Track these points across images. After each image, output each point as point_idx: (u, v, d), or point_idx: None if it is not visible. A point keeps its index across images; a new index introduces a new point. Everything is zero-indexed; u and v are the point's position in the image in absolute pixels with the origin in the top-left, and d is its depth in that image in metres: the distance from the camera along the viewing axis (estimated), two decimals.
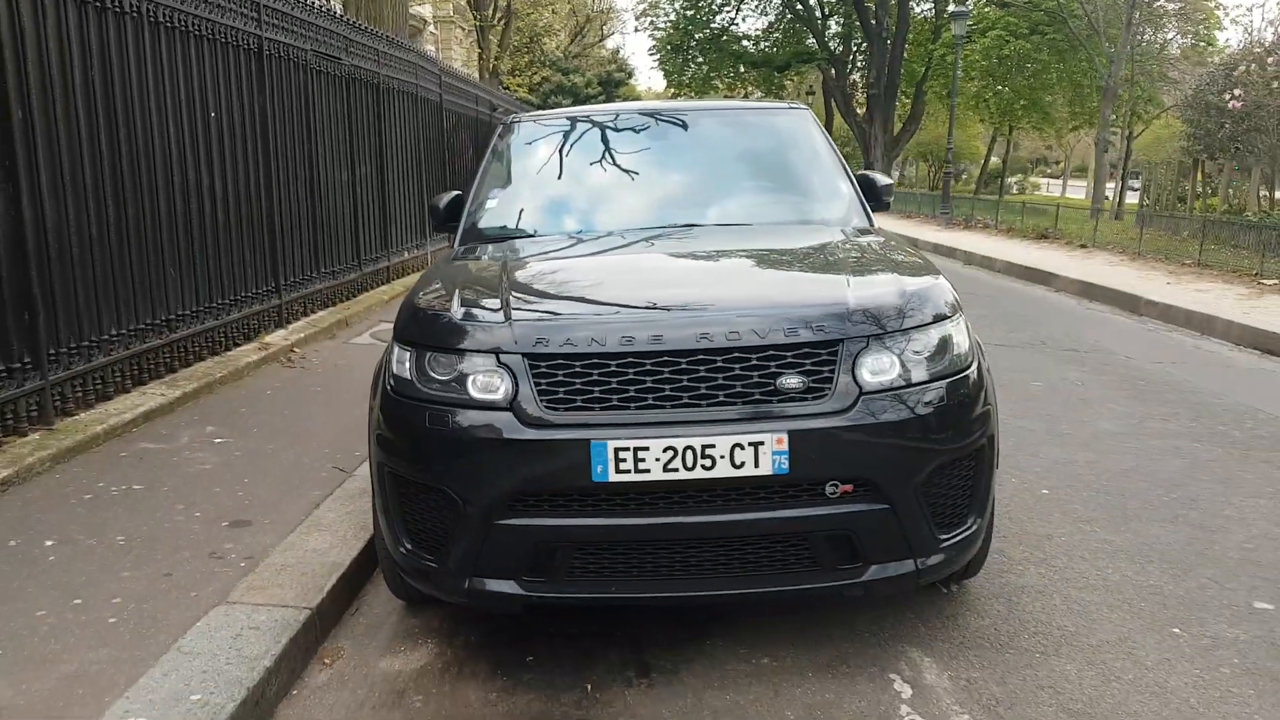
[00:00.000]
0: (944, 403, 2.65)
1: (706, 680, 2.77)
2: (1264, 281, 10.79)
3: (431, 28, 28.45)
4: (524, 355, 2.62)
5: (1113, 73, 23.11)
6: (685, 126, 4.44)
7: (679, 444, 2.49)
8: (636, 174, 4.19)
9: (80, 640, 2.80)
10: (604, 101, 43.92)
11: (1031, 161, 74.76)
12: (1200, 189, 18.29)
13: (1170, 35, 28.49)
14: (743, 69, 43.59)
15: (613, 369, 2.57)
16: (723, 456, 2.49)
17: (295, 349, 6.83)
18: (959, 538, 2.74)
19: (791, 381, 2.56)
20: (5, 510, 3.78)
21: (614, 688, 2.75)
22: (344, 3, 11.04)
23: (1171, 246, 13.89)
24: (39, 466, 4.19)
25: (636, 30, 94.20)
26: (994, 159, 50.93)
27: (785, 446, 2.49)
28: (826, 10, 41.48)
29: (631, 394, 2.56)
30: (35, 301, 4.49)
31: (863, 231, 3.73)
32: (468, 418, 2.62)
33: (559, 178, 4.23)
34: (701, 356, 2.57)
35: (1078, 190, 54.48)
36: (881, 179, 4.18)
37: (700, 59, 43.31)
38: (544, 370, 2.60)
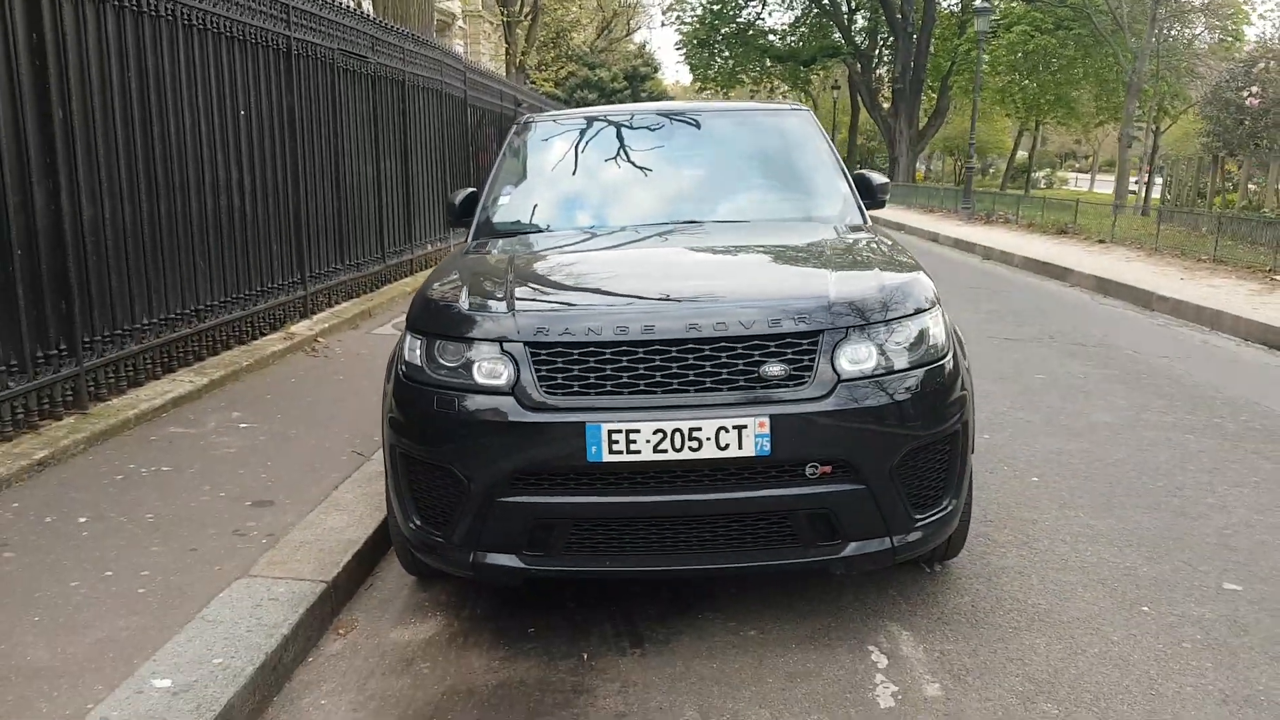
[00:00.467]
0: (919, 390, 2.80)
1: (695, 650, 2.94)
2: (1276, 277, 10.79)
3: (460, 22, 28.71)
4: (526, 344, 2.80)
5: (1137, 68, 22.95)
6: (688, 127, 4.61)
7: (668, 427, 2.66)
8: (645, 171, 4.36)
9: (111, 609, 3.01)
10: (630, 96, 44.08)
11: (1060, 156, 74.07)
12: (1220, 185, 18.18)
13: (1198, 30, 28.20)
14: (769, 63, 43.58)
15: (608, 356, 2.75)
16: (709, 439, 2.66)
17: (319, 338, 7.06)
18: (935, 517, 2.90)
19: (774, 369, 2.72)
20: (42, 489, 4.02)
21: (608, 656, 2.93)
22: (374, 1, 11.28)
23: (1189, 242, 13.87)
24: (73, 448, 4.43)
25: (663, 25, 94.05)
26: (1021, 153, 50.54)
27: (767, 430, 2.66)
28: (853, 4, 41.38)
29: (625, 380, 2.74)
30: (71, 291, 4.73)
31: (855, 228, 3.88)
32: (473, 402, 2.81)
33: (569, 175, 4.41)
34: (691, 345, 2.74)
35: (1106, 185, 53.97)
36: (877, 178, 4.32)
37: (726, 53, 43.34)
38: (544, 358, 2.78)
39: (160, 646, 2.77)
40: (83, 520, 3.70)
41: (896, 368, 2.81)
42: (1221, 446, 4.86)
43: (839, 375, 2.74)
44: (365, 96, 8.76)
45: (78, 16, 4.77)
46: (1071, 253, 14.18)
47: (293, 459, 4.44)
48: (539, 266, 3.53)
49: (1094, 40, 28.07)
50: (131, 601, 3.05)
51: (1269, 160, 15.92)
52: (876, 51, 42.03)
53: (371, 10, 10.38)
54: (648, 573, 2.91)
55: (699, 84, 44.80)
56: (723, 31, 42.54)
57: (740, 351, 2.73)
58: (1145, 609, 3.14)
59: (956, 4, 37.88)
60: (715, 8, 42.25)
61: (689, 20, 43.33)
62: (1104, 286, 11.03)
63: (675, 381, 2.73)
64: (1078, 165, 75.19)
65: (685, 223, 3.95)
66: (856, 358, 2.78)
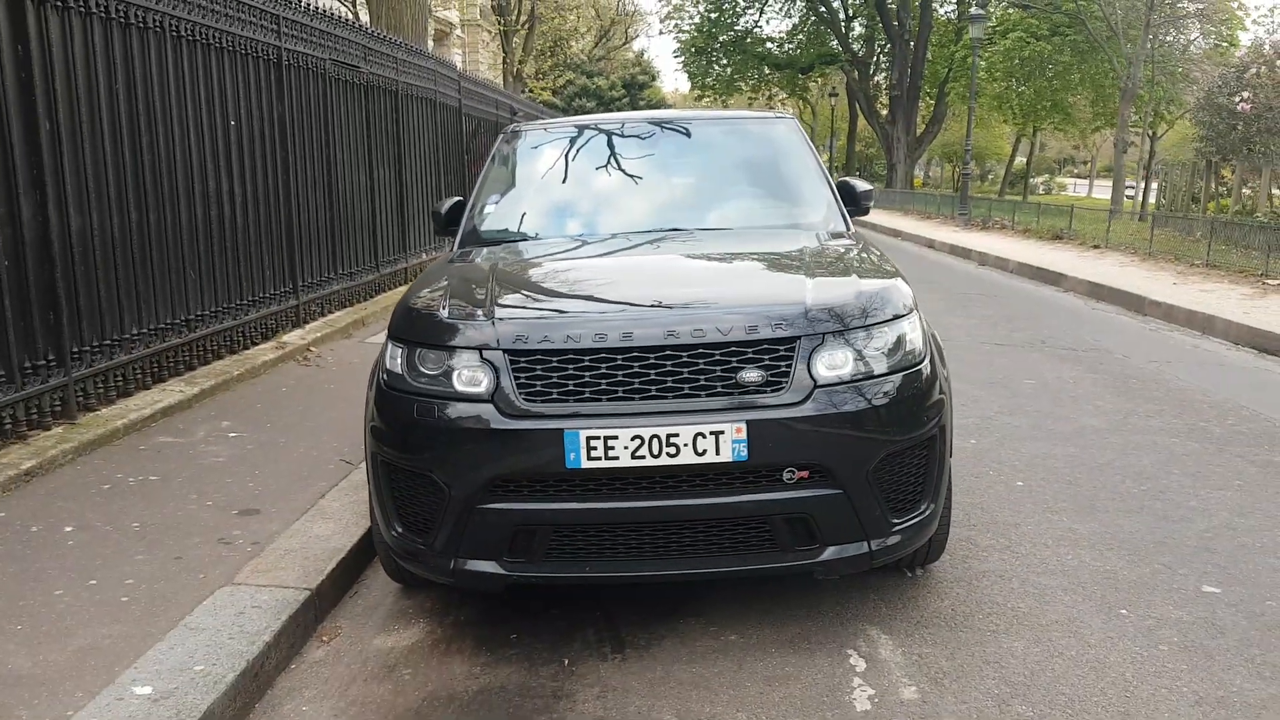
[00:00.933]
0: (895, 395, 2.82)
1: (676, 655, 2.96)
2: (1268, 281, 10.82)
3: (458, 31, 28.83)
4: (505, 351, 2.82)
5: (1131, 74, 23.03)
6: (675, 135, 4.63)
7: (645, 433, 2.67)
8: (630, 180, 4.39)
9: (94, 617, 3.02)
10: (628, 104, 44.18)
11: (1058, 162, 74.19)
12: (1214, 190, 18.23)
13: (1193, 36, 28.28)
14: (766, 71, 43.72)
15: (586, 364, 2.77)
16: (686, 445, 2.68)
17: (311, 348, 7.08)
18: (912, 521, 2.92)
19: (751, 375, 2.74)
20: (28, 498, 4.03)
21: (590, 661, 2.94)
22: (370, 12, 11.31)
23: (1182, 247, 13.91)
24: (61, 458, 4.44)
25: (661, 33, 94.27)
26: (1020, 159, 50.63)
27: (744, 435, 2.68)
28: (850, 12, 41.52)
29: (603, 387, 2.75)
30: (59, 302, 4.76)
31: (837, 235, 3.90)
32: (453, 409, 2.82)
33: (553, 184, 4.43)
34: (669, 352, 2.76)
35: (1104, 191, 54.05)
36: (861, 185, 4.35)
37: (724, 61, 43.48)
38: (523, 365, 2.80)
39: (142, 654, 2.78)
40: (69, 530, 3.72)
41: (874, 373, 2.83)
42: (1206, 450, 4.88)
43: (816, 381, 2.76)
44: (358, 106, 8.80)
45: (64, 29, 4.80)
46: (1066, 258, 14.22)
47: (281, 468, 4.46)
48: (521, 274, 3.56)
49: (1089, 46, 28.15)
50: (115, 610, 3.07)
51: (1262, 165, 15.96)
52: (874, 59, 42.16)
53: (366, 21, 10.43)
54: (627, 578, 2.92)
55: (697, 92, 44.93)
56: (720, 39, 42.68)
57: (718, 358, 2.75)
58: (1124, 612, 3.15)
59: (953, 11, 38.03)
60: (713, 16, 42.40)
61: (687, 28, 43.49)
62: (1097, 291, 11.06)
63: (654, 388, 2.75)
64: (1076, 171, 75.35)
65: (669, 230, 3.97)
66: (834, 363, 2.80)
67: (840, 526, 2.80)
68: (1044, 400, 5.94)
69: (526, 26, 28.17)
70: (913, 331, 2.98)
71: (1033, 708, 2.61)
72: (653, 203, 4.22)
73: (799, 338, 2.79)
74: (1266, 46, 16.53)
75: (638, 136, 4.59)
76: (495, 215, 4.31)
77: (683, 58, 43.99)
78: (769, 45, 43.32)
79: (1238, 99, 15.52)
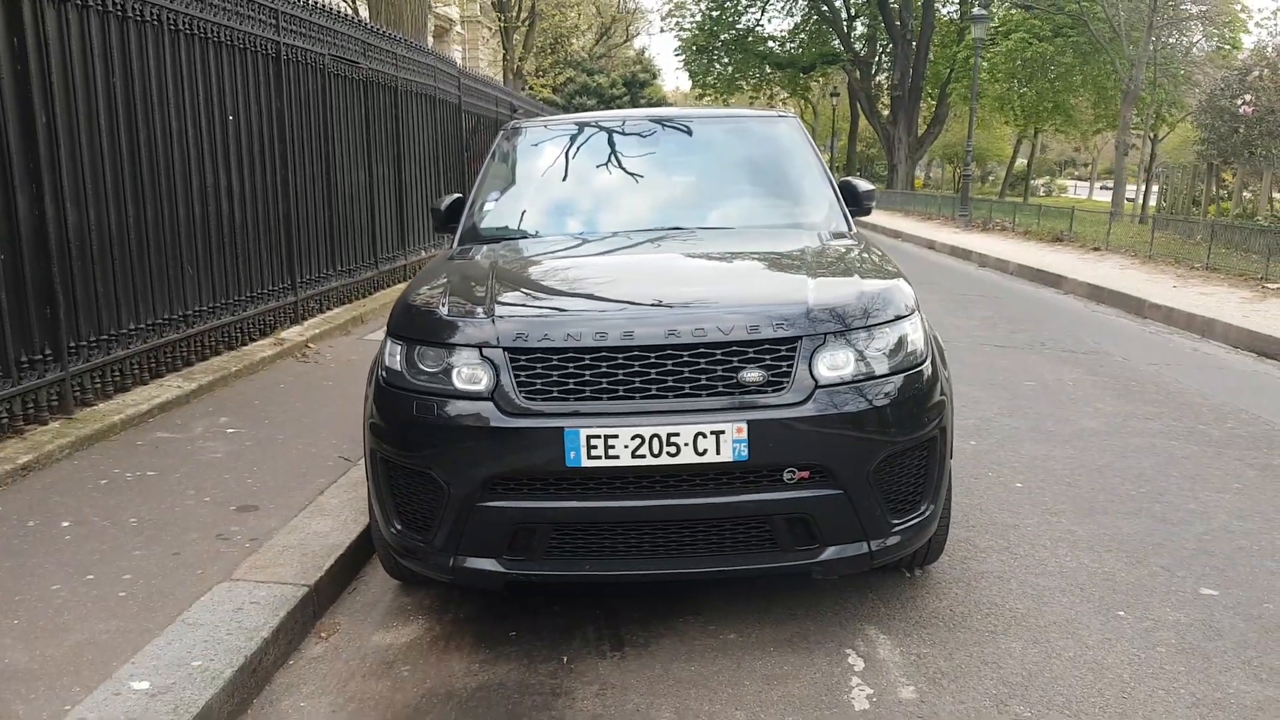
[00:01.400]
0: (896, 396, 2.82)
1: (675, 653, 2.96)
2: (1268, 285, 10.82)
3: (458, 28, 28.80)
4: (505, 349, 2.82)
5: (1133, 76, 23.02)
6: (676, 133, 4.62)
7: (646, 432, 2.67)
8: (631, 178, 4.38)
9: (91, 612, 3.01)
10: (629, 102, 44.16)
11: (1059, 164, 74.18)
12: (1215, 193, 18.24)
13: (1196, 39, 28.28)
14: (768, 70, 43.69)
15: (587, 362, 2.76)
16: (687, 444, 2.67)
17: (310, 344, 7.07)
18: (912, 522, 2.91)
19: (752, 375, 2.74)
20: (25, 493, 4.03)
21: (588, 659, 2.94)
22: (369, 7, 11.29)
23: (1182, 250, 13.91)
24: (58, 453, 4.44)
25: (662, 31, 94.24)
26: (1020, 161, 50.64)
27: (745, 435, 2.68)
28: (852, 11, 41.49)
29: (604, 385, 2.75)
30: (56, 296, 4.75)
31: (839, 235, 3.90)
32: (453, 407, 2.82)
33: (554, 181, 4.42)
34: (670, 351, 2.75)
35: (1106, 193, 54.06)
36: (863, 185, 4.34)
37: (725, 60, 43.43)
38: (523, 364, 2.79)
39: (140, 649, 2.78)
40: (65, 524, 3.71)
41: (875, 374, 2.82)
42: (1205, 453, 4.88)
43: (817, 381, 2.75)
44: (358, 102, 8.78)
45: (61, 22, 4.78)
46: (1066, 260, 14.22)
47: (279, 464, 4.45)
48: (521, 272, 3.55)
49: (1092, 48, 28.11)
50: (112, 605, 3.06)
51: (1263, 168, 15.97)
52: (875, 59, 42.14)
53: (366, 15, 10.41)
54: (627, 577, 2.92)
55: (699, 90, 44.88)
56: (722, 38, 42.62)
57: (719, 357, 2.75)
58: (1121, 613, 3.15)
59: (955, 11, 38.00)
60: (714, 14, 42.34)
61: (688, 26, 43.44)
62: (1097, 294, 11.06)
63: (654, 387, 2.74)
64: (1077, 173, 75.34)
65: (671, 229, 3.96)
66: (835, 364, 2.79)
67: (840, 527, 2.79)
68: (1044, 402, 5.94)
69: (527, 23, 28.14)
70: (914, 332, 2.98)
71: (1030, 708, 2.61)
72: (654, 201, 4.21)
73: (800, 338, 2.78)
74: (1270, 49, 16.52)
75: (639, 134, 4.58)
76: (495, 212, 4.30)
77: (684, 56, 43.94)
78: (771, 44, 43.28)
79: (1240, 102, 15.53)
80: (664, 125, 4.67)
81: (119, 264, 5.26)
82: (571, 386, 2.76)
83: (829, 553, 2.81)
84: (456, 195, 4.43)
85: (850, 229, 4.09)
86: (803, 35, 42.70)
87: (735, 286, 3.27)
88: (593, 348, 2.76)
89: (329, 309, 8.11)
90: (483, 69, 25.72)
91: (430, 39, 11.88)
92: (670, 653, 2.96)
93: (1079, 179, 71.94)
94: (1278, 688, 2.70)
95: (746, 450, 2.68)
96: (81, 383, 4.96)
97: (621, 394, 2.74)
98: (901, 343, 2.92)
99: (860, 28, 42.11)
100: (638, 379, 2.75)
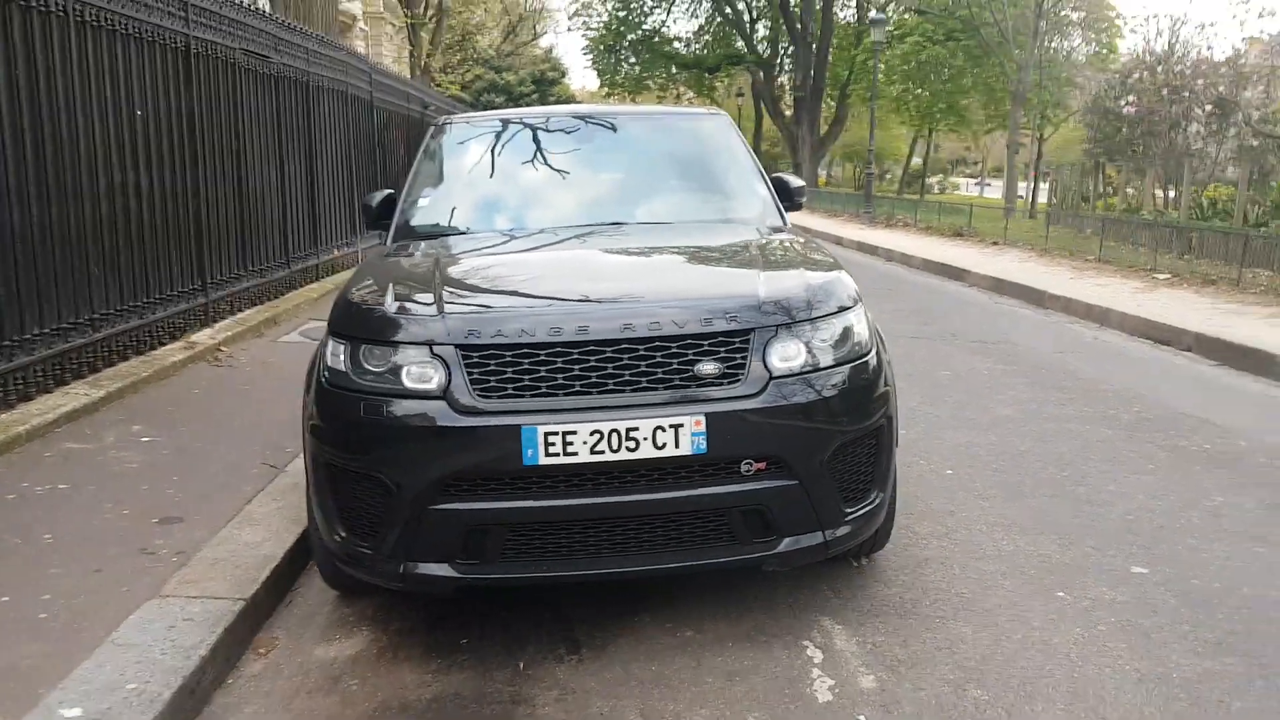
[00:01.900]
0: (846, 386, 2.86)
1: (634, 653, 2.93)
2: (1156, 276, 11.43)
3: (362, 24, 28.05)
4: (456, 346, 2.74)
5: (1021, 78, 24.01)
6: (612, 129, 4.61)
7: (604, 427, 2.64)
8: (565, 174, 4.34)
9: (10, 635, 2.82)
10: (538, 100, 43.87)
11: (951, 162, 76.68)
12: (1102, 190, 19.16)
13: (1076, 43, 29.67)
14: (674, 70, 44.00)
15: (542, 358, 2.71)
16: (645, 438, 2.65)
17: (222, 347, 6.79)
18: (863, 510, 2.96)
19: (708, 368, 2.74)
20: None
21: (545, 664, 2.88)
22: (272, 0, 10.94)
23: (1076, 244, 14.56)
24: None
25: (570, 30, 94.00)
26: (916, 160, 52.20)
27: (703, 428, 2.67)
28: (755, 14, 42.12)
29: (560, 381, 2.70)
30: None
31: (776, 230, 3.94)
32: (402, 407, 2.73)
33: (490, 177, 4.35)
34: (625, 345, 2.73)
35: (996, 190, 56.15)
36: (794, 181, 4.40)
37: (633, 59, 43.58)
38: (476, 360, 2.73)
39: (68, 674, 2.61)
40: None
41: (823, 364, 2.85)
42: (1118, 436, 5.11)
43: (770, 373, 2.77)
44: (269, 98, 8.49)
45: None
46: (968, 254, 14.71)
47: (200, 473, 4.26)
48: (467, 268, 3.47)
49: (982, 51, 29.19)
50: (33, 627, 2.87)
51: (1145, 165, 16.83)
52: (778, 60, 42.90)
53: (269, 9, 10.07)
54: (586, 577, 2.88)
55: (606, 90, 44.90)
56: (629, 38, 42.77)
57: (674, 351, 2.74)
58: (1061, 594, 3.27)
59: (854, 15, 38.98)
60: (621, 14, 42.45)
61: (595, 26, 43.46)
62: (1000, 286, 11.47)
63: (610, 382, 2.71)
64: (968, 171, 78.03)
65: (608, 225, 3.93)
66: (786, 355, 2.81)
67: (796, 517, 2.81)
68: (960, 391, 6.13)
69: (434, 20, 27.62)
70: (859, 323, 3.03)
71: (987, 691, 2.68)
72: (591, 198, 4.18)
73: (754, 329, 2.79)
74: (1147, 55, 17.44)
75: (572, 131, 4.54)
76: (430, 209, 4.20)
77: (592, 55, 43.96)
78: (676, 45, 43.64)
79: (1124, 102, 16.35)
80: (594, 122, 4.64)
81: (21, 266, 4.93)
82: (526, 383, 2.71)
83: (785, 544, 2.83)
84: (388, 191, 4.31)
85: (786, 224, 4.13)
86: (708, 36, 43.20)
87: (687, 280, 3.27)
88: (547, 343, 2.71)
89: (241, 310, 7.80)
90: (388, 66, 25.15)
91: (337, 35, 11.55)
92: (629, 653, 2.93)
93: (970, 177, 74.52)
94: (1215, 659, 2.83)
95: (705, 443, 2.67)
96: None
97: (577, 389, 2.71)
98: (848, 333, 2.96)
99: (762, 30, 42.83)
100: (593, 374, 2.71)
